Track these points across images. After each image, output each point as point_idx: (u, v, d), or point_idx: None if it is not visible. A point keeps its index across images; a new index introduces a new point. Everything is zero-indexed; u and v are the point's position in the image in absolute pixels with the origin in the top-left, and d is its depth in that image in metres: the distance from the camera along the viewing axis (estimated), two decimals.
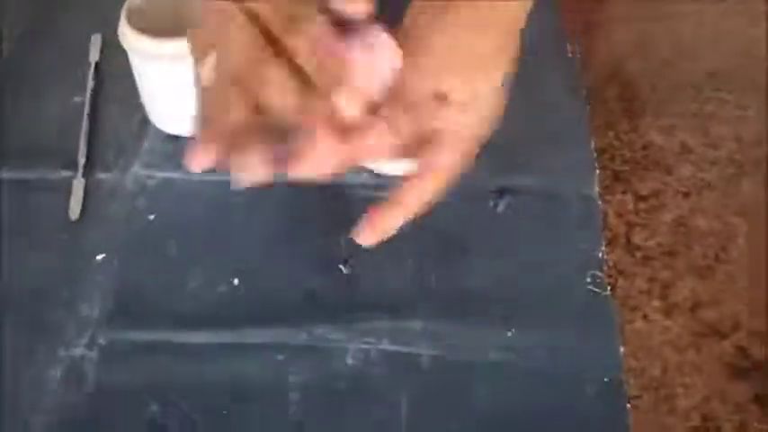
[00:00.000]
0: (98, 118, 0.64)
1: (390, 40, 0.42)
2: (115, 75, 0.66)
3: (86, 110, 0.64)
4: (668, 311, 0.52)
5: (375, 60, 0.41)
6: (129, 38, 0.58)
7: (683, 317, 0.52)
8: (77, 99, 0.65)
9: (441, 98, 0.43)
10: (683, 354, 0.50)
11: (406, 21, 0.45)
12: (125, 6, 0.59)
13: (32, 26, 0.71)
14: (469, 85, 0.44)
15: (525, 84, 0.63)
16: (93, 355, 0.51)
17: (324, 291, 0.53)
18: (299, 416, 0.48)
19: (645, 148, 0.61)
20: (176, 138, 0.62)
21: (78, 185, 0.59)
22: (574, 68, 0.65)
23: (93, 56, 0.68)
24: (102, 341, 0.51)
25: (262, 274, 0.54)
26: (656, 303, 0.53)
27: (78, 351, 0.51)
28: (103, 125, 0.64)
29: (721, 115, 0.63)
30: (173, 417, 0.48)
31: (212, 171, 0.59)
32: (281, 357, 0.50)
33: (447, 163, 0.44)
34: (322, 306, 0.53)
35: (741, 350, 0.50)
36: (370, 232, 0.43)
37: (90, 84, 0.66)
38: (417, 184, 0.44)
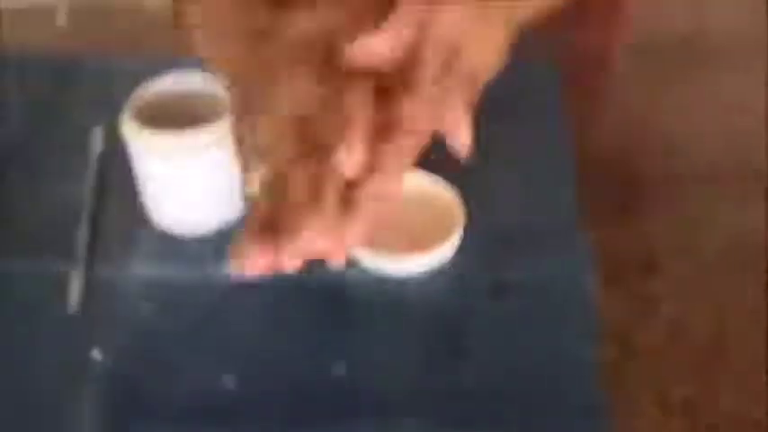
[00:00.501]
0: (99, 211, 0.65)
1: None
2: (117, 168, 0.68)
3: (87, 203, 0.66)
4: (665, 410, 0.53)
5: None
6: (131, 131, 0.60)
7: (680, 415, 0.53)
8: (78, 192, 0.66)
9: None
10: None
11: None
12: (129, 100, 0.61)
13: (35, 116, 0.74)
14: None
15: (523, 178, 0.66)
16: None
17: (316, 390, 0.54)
18: None
19: (643, 245, 0.62)
20: (175, 236, 0.63)
21: (76, 280, 0.60)
22: (573, 165, 0.67)
23: (95, 148, 0.70)
24: None
25: (257, 372, 0.55)
26: (653, 401, 0.54)
27: None
28: (104, 219, 0.65)
29: (716, 212, 0.65)
30: None
31: (209, 268, 0.61)
32: None
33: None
34: (314, 405, 0.53)
35: None
36: None
37: (91, 176, 0.68)
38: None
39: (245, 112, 0.47)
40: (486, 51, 0.48)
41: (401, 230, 0.61)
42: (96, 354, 0.56)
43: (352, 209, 0.43)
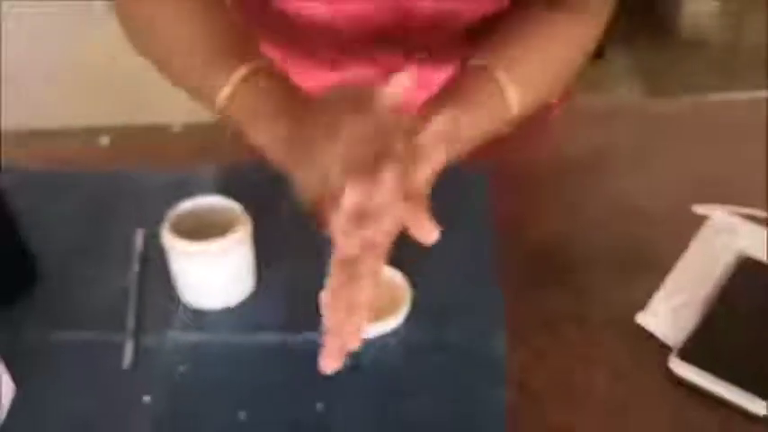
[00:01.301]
0: (142, 293, 0.85)
1: None
2: (154, 261, 0.88)
3: (133, 287, 0.86)
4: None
5: None
6: (169, 240, 0.81)
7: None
8: (125, 279, 0.87)
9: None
10: None
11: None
12: (166, 217, 0.82)
13: (89, 220, 0.94)
14: None
15: (453, 267, 0.85)
16: None
17: (304, 421, 0.74)
18: None
19: (539, 314, 0.84)
20: (202, 311, 0.84)
21: (129, 345, 0.81)
22: (490, 257, 0.88)
23: (137, 246, 0.90)
24: None
25: (262, 409, 0.75)
26: (537, 427, 0.74)
27: None
28: (146, 299, 0.85)
29: (594, 288, 0.86)
30: None
31: (228, 335, 0.81)
32: None
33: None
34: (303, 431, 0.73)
35: None
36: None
37: (135, 268, 0.88)
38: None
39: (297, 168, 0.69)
40: (434, 162, 0.69)
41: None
42: (146, 399, 0.76)
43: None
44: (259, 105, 0.75)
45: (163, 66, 0.85)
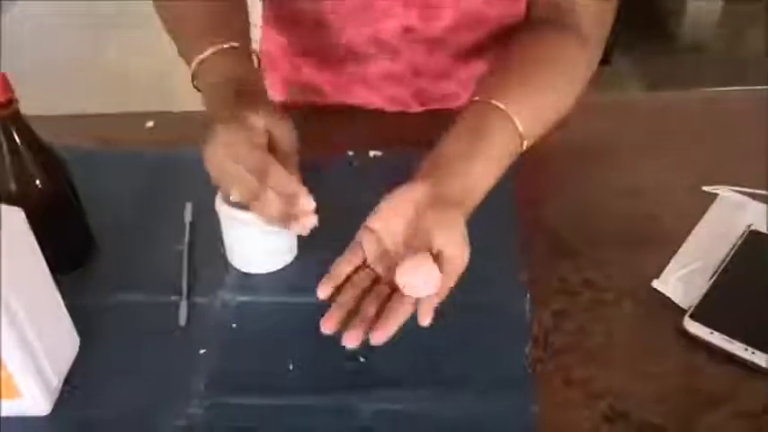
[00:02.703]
0: (193, 259, 0.93)
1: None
2: (203, 230, 0.96)
3: (185, 255, 0.93)
4: (568, 383, 0.80)
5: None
6: (222, 209, 0.87)
7: (577, 387, 0.80)
8: (178, 246, 0.94)
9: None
10: (577, 410, 0.77)
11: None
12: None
13: (144, 196, 1.01)
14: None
15: (485, 241, 0.93)
16: (203, 411, 0.78)
17: (348, 372, 0.80)
18: None
19: (560, 280, 0.91)
20: (248, 274, 0.91)
21: (183, 305, 0.88)
22: (517, 230, 0.95)
23: (187, 217, 0.97)
24: (207, 403, 0.79)
25: (307, 362, 0.81)
26: (560, 379, 0.81)
27: (191, 410, 0.78)
28: (197, 265, 0.92)
29: (614, 261, 0.93)
30: None
31: (273, 296, 0.88)
32: (318, 414, 0.77)
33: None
34: (348, 381, 0.79)
35: (611, 406, 0.78)
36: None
37: (186, 237, 0.95)
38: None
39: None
40: (461, 261, 0.76)
41: None
42: (202, 351, 0.84)
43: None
44: (208, 86, 0.87)
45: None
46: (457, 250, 0.76)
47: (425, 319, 0.73)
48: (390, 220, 0.77)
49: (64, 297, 0.82)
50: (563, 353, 0.83)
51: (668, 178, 1.03)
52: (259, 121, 0.81)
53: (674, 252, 0.92)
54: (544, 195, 1.02)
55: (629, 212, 0.99)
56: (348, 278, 0.77)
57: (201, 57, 0.87)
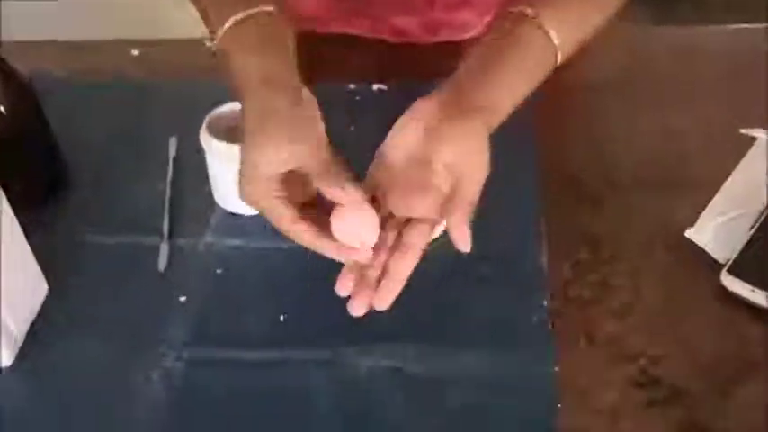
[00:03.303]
0: (176, 198, 0.84)
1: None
2: (187, 167, 0.88)
3: (168, 193, 0.85)
4: (591, 341, 0.72)
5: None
6: (206, 141, 0.79)
7: (603, 346, 0.72)
8: (160, 185, 0.86)
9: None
10: (601, 371, 0.69)
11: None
12: (207, 118, 0.81)
13: (124, 129, 0.93)
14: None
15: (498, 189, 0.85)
16: (180, 365, 0.70)
17: (344, 324, 0.71)
18: (324, 409, 0.67)
19: (581, 228, 0.82)
20: (235, 214, 0.83)
21: (164, 248, 0.80)
22: (534, 178, 0.86)
23: (171, 152, 0.89)
24: (185, 356, 0.71)
25: (300, 313, 0.74)
26: (583, 336, 0.73)
27: (169, 363, 0.71)
28: (181, 205, 0.84)
29: (642, 208, 0.84)
30: (236, 408, 0.68)
31: (263, 240, 0.80)
32: (312, 369, 0.70)
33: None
34: (343, 334, 0.71)
35: (642, 370, 0.70)
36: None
37: (170, 173, 0.87)
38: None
39: None
40: (478, 176, 0.66)
41: None
42: (182, 299, 0.76)
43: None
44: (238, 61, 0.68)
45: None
46: (473, 166, 0.66)
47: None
48: (401, 141, 0.68)
49: (29, 237, 0.74)
50: (585, 307, 0.75)
51: (701, 118, 0.94)
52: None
53: (709, 199, 0.83)
54: (562, 135, 0.93)
55: (656, 154, 0.91)
56: None
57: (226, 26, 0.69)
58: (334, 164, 0.65)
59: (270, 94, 0.65)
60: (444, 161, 0.65)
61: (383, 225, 0.67)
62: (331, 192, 0.64)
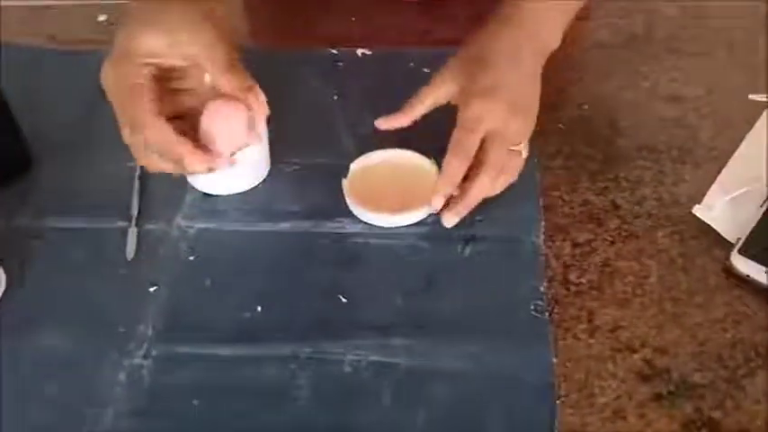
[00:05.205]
0: (146, 179, 0.78)
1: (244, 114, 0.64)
2: None
3: (137, 173, 0.79)
4: (592, 332, 0.67)
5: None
6: None
7: (604, 336, 0.67)
8: (129, 164, 0.79)
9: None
10: (602, 364, 0.65)
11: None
12: None
13: (89, 101, 0.86)
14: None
15: None
16: (149, 363, 0.65)
17: (326, 315, 0.67)
18: (305, 411, 0.62)
19: (582, 205, 0.76)
20: (210, 196, 0.77)
21: (132, 233, 0.74)
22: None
23: None
24: (155, 353, 0.66)
25: (278, 303, 0.68)
26: (584, 326, 0.67)
27: (137, 360, 0.65)
28: (151, 185, 0.78)
29: (645, 179, 0.79)
30: (209, 410, 0.62)
31: (239, 223, 0.74)
32: (292, 366, 0.64)
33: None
34: (325, 327, 0.66)
35: (647, 362, 0.65)
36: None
37: None
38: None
39: None
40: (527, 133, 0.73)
41: (397, 195, 0.74)
42: (152, 289, 0.70)
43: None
44: None
45: None
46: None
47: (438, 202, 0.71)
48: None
49: None
50: (586, 293, 0.70)
51: (708, 82, 0.88)
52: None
53: (718, 172, 0.78)
54: (560, 101, 0.87)
55: (661, 122, 0.85)
56: None
57: None
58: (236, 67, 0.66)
59: None
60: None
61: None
62: (217, 78, 0.65)
